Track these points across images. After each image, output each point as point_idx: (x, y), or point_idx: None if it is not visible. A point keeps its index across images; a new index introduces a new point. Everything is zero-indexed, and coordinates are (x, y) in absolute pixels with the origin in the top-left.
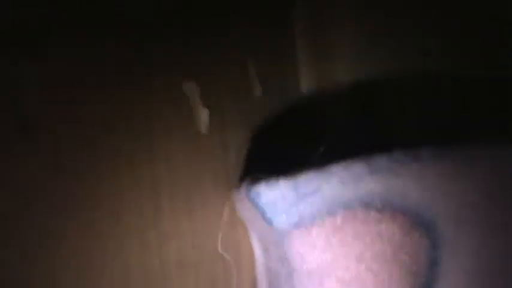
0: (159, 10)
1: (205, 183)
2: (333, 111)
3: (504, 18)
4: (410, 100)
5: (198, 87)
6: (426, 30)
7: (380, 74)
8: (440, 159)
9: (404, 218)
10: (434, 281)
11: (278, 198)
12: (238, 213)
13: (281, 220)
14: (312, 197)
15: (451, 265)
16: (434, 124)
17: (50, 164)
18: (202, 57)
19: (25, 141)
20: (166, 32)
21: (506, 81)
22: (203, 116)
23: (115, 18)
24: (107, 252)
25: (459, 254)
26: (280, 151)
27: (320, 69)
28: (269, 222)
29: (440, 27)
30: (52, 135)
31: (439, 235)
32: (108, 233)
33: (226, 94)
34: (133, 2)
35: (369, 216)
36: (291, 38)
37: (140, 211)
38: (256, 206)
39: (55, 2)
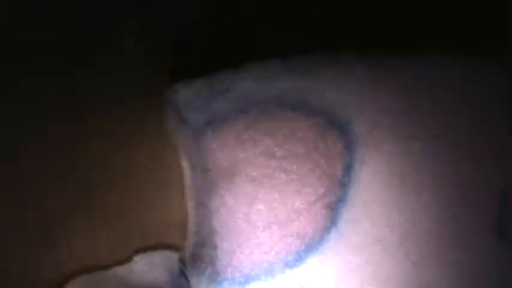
0: None
1: (133, 97)
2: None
3: None
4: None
5: None
6: None
7: None
8: (359, 64)
9: (319, 118)
10: (349, 184)
11: (193, 96)
12: (167, 131)
13: (195, 118)
14: (226, 94)
15: (366, 168)
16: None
17: None
18: None
19: None
20: None
21: None
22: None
23: None
24: (28, 171)
25: (374, 157)
26: (206, 51)
27: None
28: (184, 121)
29: None
30: None
31: (353, 137)
32: (30, 152)
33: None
34: None
35: (282, 114)
36: None
37: (66, 128)
38: (172, 106)
39: None
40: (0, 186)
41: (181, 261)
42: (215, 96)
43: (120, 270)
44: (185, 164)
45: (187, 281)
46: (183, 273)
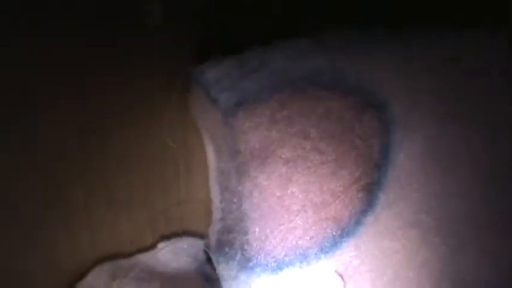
0: None
1: (157, 79)
2: None
3: None
4: None
5: None
6: None
7: None
8: (394, 42)
9: (355, 97)
10: (386, 166)
11: (222, 75)
12: (190, 113)
13: (226, 98)
14: (257, 73)
15: (403, 150)
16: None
17: None
18: None
19: None
20: None
21: None
22: (157, 8)
23: None
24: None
25: (411, 139)
26: (234, 31)
27: None
28: (213, 101)
29: None
30: None
31: (391, 118)
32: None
33: None
34: None
35: (317, 93)
36: None
37: (83, 105)
38: (201, 86)
39: None
40: (27, 176)
41: (207, 247)
42: (246, 75)
43: (144, 258)
44: (209, 148)
45: (214, 268)
46: (209, 260)
